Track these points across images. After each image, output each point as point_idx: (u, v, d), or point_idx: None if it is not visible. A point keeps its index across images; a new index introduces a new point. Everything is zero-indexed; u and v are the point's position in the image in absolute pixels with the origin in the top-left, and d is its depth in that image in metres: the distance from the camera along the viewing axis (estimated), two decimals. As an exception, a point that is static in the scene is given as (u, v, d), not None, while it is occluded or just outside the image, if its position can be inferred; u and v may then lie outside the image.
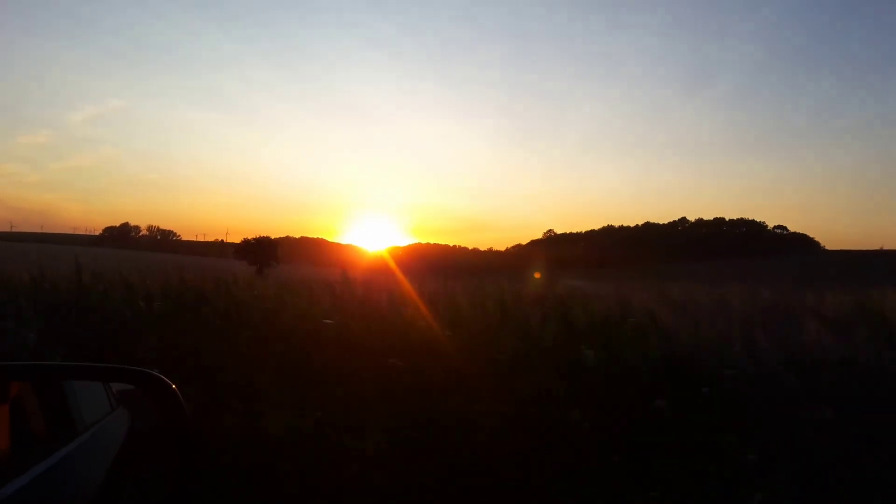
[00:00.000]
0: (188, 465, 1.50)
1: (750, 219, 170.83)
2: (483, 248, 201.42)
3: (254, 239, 56.73)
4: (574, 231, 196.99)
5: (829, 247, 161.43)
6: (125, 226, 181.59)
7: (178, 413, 1.50)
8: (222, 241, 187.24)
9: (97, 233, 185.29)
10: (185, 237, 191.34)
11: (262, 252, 55.32)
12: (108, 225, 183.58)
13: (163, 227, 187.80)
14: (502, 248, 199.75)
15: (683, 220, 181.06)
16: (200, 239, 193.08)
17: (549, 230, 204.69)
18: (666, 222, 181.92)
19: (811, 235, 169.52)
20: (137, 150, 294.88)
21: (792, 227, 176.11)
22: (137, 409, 1.79)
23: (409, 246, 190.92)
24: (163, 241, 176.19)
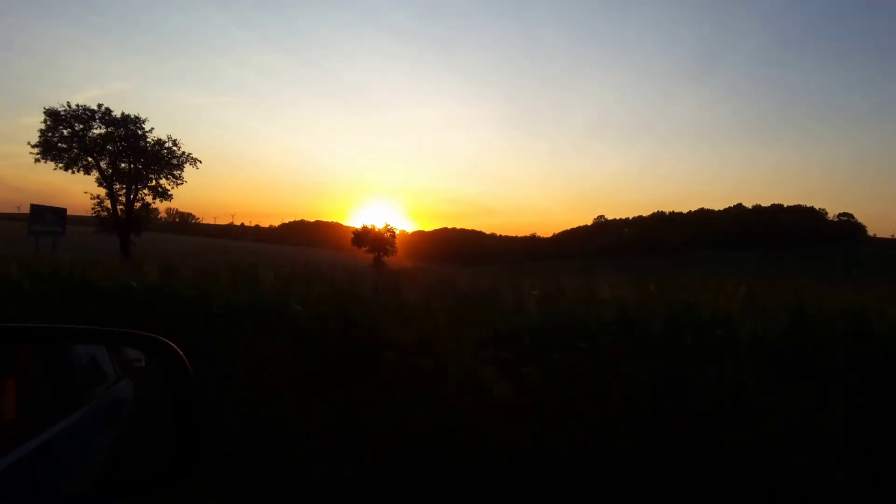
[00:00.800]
0: (192, 430, 1.49)
1: (809, 206, 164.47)
2: (505, 232, 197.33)
3: (370, 227, 54.81)
4: (624, 217, 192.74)
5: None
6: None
7: (183, 378, 1.50)
8: (243, 224, 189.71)
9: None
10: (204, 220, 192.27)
11: (381, 241, 54.15)
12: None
13: (181, 209, 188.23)
14: (547, 234, 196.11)
15: (739, 206, 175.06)
16: (218, 222, 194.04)
17: (600, 216, 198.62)
18: (720, 209, 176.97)
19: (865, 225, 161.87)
20: None
21: (858, 217, 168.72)
22: (141, 380, 1.78)
23: (438, 230, 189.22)
24: (182, 224, 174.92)
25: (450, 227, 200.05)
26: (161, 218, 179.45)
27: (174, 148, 46.18)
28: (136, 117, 44.81)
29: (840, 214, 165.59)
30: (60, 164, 43.16)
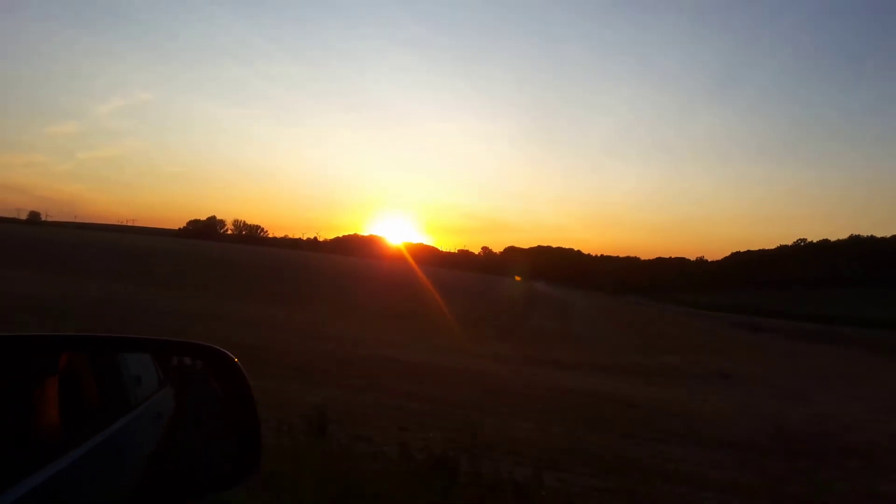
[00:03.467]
0: (251, 435, 1.57)
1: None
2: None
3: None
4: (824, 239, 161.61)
5: None
6: (211, 219, 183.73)
7: (241, 389, 1.59)
8: (315, 238, 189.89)
9: (174, 226, 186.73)
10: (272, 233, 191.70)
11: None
12: (193, 218, 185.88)
13: (249, 221, 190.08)
14: (712, 258, 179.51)
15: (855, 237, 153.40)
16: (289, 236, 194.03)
17: (800, 239, 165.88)
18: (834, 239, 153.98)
19: None
20: (164, 143, 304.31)
21: None
22: (184, 387, 1.84)
23: (533, 248, 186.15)
24: (249, 237, 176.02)
25: (545, 244, 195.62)
26: (227, 231, 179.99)
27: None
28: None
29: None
30: None
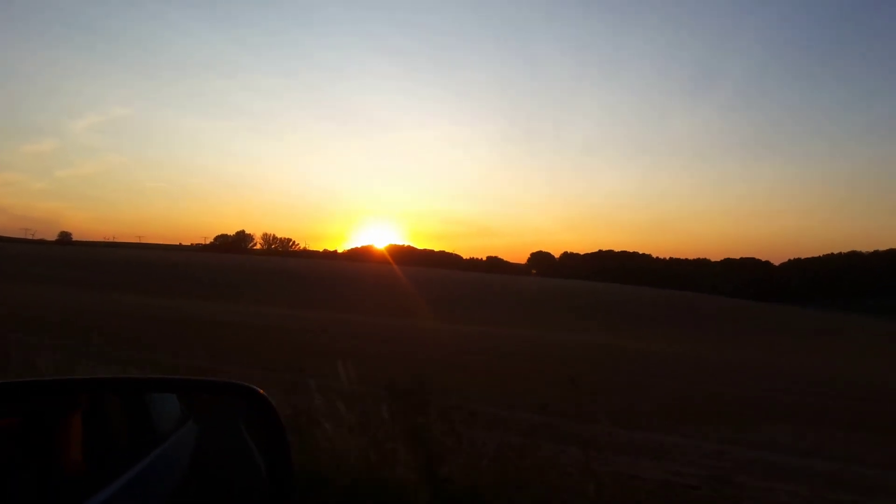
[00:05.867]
0: (283, 478, 1.56)
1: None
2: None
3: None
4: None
5: None
6: (240, 234, 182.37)
7: (274, 427, 1.58)
8: (351, 249, 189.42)
9: (196, 241, 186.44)
10: (302, 245, 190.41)
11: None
12: (221, 233, 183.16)
13: (279, 234, 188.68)
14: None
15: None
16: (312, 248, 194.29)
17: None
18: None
19: None
20: (144, 158, 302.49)
21: None
22: (206, 421, 1.84)
23: (594, 253, 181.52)
24: (279, 251, 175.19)
25: (605, 248, 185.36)
26: (255, 246, 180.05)
27: None
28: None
29: None
30: None
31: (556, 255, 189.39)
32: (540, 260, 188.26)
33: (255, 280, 66.63)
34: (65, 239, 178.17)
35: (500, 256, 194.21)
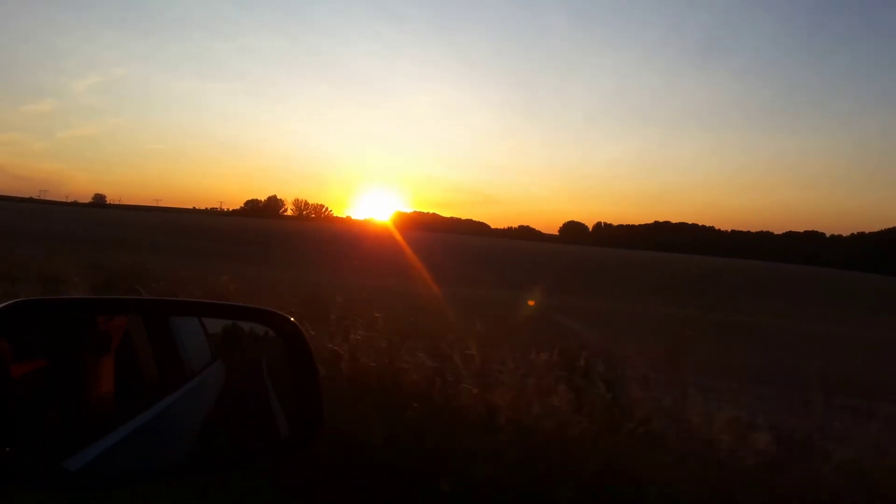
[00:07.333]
0: (314, 408, 1.58)
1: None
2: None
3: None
4: None
5: None
6: (272, 199, 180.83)
7: (305, 358, 1.60)
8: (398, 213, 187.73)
9: (224, 206, 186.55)
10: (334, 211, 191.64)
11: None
12: (252, 198, 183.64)
13: (311, 201, 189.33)
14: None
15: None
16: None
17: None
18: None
19: None
20: (143, 119, 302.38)
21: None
22: (235, 363, 1.84)
23: (648, 224, 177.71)
24: (311, 217, 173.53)
25: (661, 220, 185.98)
26: (286, 211, 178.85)
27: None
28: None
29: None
30: None
31: (589, 225, 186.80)
32: (572, 230, 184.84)
33: (324, 247, 59.63)
34: (100, 202, 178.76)
35: (530, 225, 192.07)
